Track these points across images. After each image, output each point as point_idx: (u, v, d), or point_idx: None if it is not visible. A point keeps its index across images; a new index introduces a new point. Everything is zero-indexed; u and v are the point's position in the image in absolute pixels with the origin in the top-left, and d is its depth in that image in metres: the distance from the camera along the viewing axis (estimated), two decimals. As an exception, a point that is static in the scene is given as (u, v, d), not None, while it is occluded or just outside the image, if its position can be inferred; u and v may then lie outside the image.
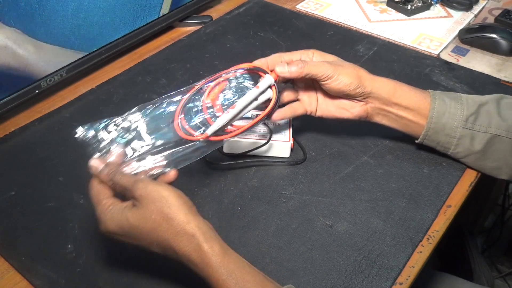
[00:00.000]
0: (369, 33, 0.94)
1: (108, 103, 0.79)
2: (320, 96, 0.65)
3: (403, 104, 0.62)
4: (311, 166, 0.67)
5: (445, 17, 0.98)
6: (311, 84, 0.65)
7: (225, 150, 0.68)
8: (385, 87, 0.62)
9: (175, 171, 0.52)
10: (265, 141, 0.66)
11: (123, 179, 0.50)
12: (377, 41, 0.92)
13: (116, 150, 0.52)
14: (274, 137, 0.66)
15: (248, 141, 0.67)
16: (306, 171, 0.67)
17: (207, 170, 0.67)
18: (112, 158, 0.52)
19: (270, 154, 0.68)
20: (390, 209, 0.61)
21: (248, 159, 0.68)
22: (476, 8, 1.00)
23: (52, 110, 0.78)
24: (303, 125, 0.73)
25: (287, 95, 0.65)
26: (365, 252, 0.57)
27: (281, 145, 0.67)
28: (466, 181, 0.65)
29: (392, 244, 0.57)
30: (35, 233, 0.60)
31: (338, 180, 0.65)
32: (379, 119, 0.65)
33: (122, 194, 0.50)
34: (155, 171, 0.52)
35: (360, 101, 0.63)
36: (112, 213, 0.48)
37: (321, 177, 0.66)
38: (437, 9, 1.01)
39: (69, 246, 0.57)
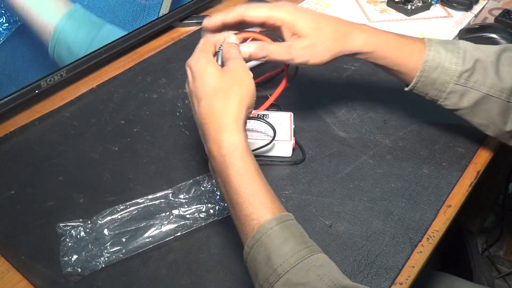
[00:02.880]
0: (369, 33, 0.94)
1: (108, 103, 0.79)
2: None
3: (392, 58, 0.60)
4: (310, 166, 0.67)
5: (445, 17, 0.98)
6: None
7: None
8: (371, 43, 0.60)
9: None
10: (268, 141, 0.65)
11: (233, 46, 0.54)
12: (377, 41, 0.92)
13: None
14: (276, 136, 0.66)
15: (250, 141, 0.67)
16: (306, 171, 0.67)
17: (207, 169, 0.67)
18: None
19: (272, 153, 0.68)
20: (390, 209, 0.61)
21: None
22: (476, 8, 0.99)
23: (52, 110, 0.79)
24: (302, 125, 0.73)
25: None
26: (364, 252, 0.57)
27: (283, 145, 0.67)
28: (466, 181, 0.65)
29: (391, 244, 0.57)
30: (35, 232, 0.60)
31: (338, 180, 0.65)
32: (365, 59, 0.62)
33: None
34: None
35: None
36: (200, 56, 0.52)
37: (321, 177, 0.66)
38: (437, 9, 1.00)
39: (69, 244, 0.57)
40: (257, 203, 0.45)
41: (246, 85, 0.50)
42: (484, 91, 0.59)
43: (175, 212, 0.60)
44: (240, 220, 0.46)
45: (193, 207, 0.60)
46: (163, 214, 0.59)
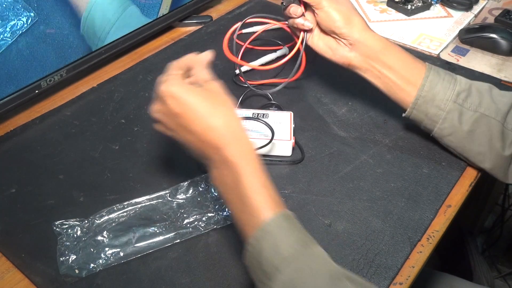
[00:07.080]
0: (369, 33, 0.94)
1: (109, 102, 0.80)
2: (316, 29, 0.67)
3: (389, 63, 0.63)
4: (310, 166, 0.68)
5: (445, 17, 0.98)
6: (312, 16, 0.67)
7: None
8: (375, 41, 0.63)
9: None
10: (267, 141, 0.65)
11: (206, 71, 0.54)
12: (377, 41, 0.92)
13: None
14: (275, 136, 0.66)
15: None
16: (305, 170, 0.67)
17: (205, 169, 0.67)
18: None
19: (272, 153, 0.68)
20: (389, 208, 0.62)
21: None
22: (476, 8, 1.00)
23: (53, 109, 0.79)
24: (302, 125, 0.73)
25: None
26: (364, 251, 0.57)
27: (283, 144, 0.67)
28: (466, 181, 0.65)
29: (390, 244, 0.57)
30: (35, 231, 0.60)
31: (337, 180, 0.65)
32: (362, 72, 0.66)
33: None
34: None
35: (346, 45, 0.65)
36: (176, 80, 0.51)
37: (320, 176, 0.66)
38: (437, 9, 1.01)
39: (66, 244, 0.57)
40: (263, 203, 0.47)
41: (227, 99, 0.51)
42: (480, 111, 0.61)
43: (175, 223, 0.59)
44: (244, 216, 0.48)
45: (192, 217, 0.60)
46: (164, 223, 0.59)
